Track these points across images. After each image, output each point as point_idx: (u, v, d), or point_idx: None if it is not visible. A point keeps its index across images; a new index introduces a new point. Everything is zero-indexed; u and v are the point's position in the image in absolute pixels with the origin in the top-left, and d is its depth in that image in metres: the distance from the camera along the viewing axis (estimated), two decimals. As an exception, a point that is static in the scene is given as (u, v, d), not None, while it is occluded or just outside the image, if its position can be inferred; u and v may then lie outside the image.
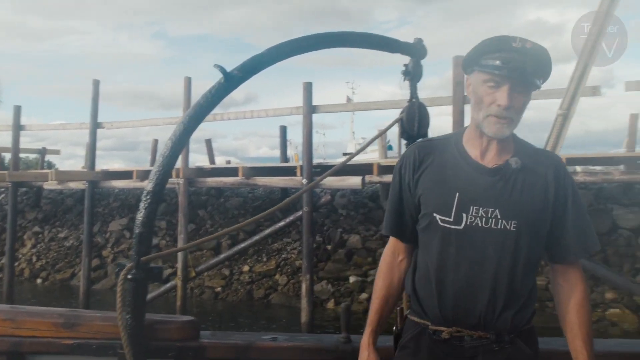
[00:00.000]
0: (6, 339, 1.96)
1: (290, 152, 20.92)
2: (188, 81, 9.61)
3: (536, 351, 1.57)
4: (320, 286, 10.58)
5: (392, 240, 1.71)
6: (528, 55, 1.44)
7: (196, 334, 2.03)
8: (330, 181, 8.63)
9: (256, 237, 10.00)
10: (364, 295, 10.11)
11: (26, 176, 12.69)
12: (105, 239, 13.62)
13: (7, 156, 15.47)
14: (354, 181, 8.44)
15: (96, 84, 10.74)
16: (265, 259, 11.68)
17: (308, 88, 8.68)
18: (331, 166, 8.56)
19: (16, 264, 12.95)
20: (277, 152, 15.42)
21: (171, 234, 12.55)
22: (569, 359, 1.54)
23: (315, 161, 10.10)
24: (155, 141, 16.70)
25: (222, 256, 10.49)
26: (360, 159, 12.64)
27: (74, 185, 11.84)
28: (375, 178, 8.46)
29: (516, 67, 1.42)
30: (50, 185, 12.05)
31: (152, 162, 15.10)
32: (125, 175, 11.05)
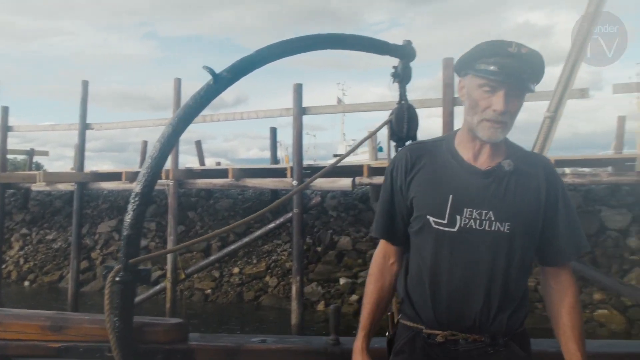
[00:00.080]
0: (-8, 342, 1.94)
1: (280, 153, 20.89)
2: (178, 82, 9.57)
3: (529, 354, 1.57)
4: (310, 288, 10.58)
5: (382, 243, 1.70)
6: (523, 60, 1.44)
7: (184, 336, 2.02)
8: (321, 183, 8.63)
9: (246, 239, 9.97)
10: (354, 297, 10.12)
11: (14, 178, 12.58)
12: (94, 240, 13.53)
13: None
14: (344, 183, 8.45)
15: (85, 84, 10.67)
16: (255, 261, 11.65)
17: (298, 90, 8.68)
18: (321, 168, 8.57)
19: (3, 266, 12.84)
20: (267, 154, 15.41)
21: (161, 235, 12.49)
22: (560, 359, 1.55)
23: (306, 163, 10.11)
24: (145, 142, 16.63)
25: (212, 258, 10.45)
26: (350, 160, 12.65)
27: (62, 186, 11.74)
28: (365, 180, 8.47)
29: (512, 73, 1.43)
30: (38, 186, 11.94)
31: (142, 164, 14.98)
32: (114, 176, 10.99)
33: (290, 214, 8.81)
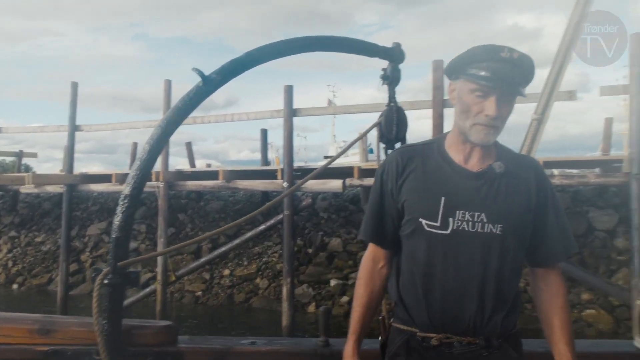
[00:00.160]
0: (-22, 346, 1.92)
1: (271, 155, 20.88)
2: (168, 84, 9.53)
3: (521, 354, 1.58)
4: (301, 289, 10.58)
5: (372, 246, 1.69)
6: (515, 65, 1.46)
7: (174, 338, 2.02)
8: (311, 184, 8.63)
9: (237, 241, 9.94)
10: (345, 299, 10.13)
11: (2, 180, 12.47)
12: (84, 243, 13.43)
13: (-17, 159, 15.19)
14: (335, 184, 8.46)
15: (74, 86, 10.60)
16: (246, 263, 11.63)
17: (289, 91, 8.68)
18: (312, 169, 8.57)
19: (-9, 269, 12.71)
20: (258, 155, 15.38)
21: (151, 237, 12.43)
22: (549, 359, 1.57)
23: (297, 164, 10.09)
24: (135, 144, 16.52)
25: (202, 260, 10.40)
26: (341, 162, 12.66)
27: (51, 188, 11.65)
28: (356, 181, 8.48)
29: (504, 79, 1.44)
30: (27, 189, 11.84)
31: (132, 165, 14.87)
32: (104, 178, 10.92)
33: (281, 216, 8.80)
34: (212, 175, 10.15)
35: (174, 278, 9.89)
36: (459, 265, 1.49)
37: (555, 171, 9.58)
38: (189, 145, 16.15)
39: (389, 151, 2.52)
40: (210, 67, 1.96)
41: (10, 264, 13.71)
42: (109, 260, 1.76)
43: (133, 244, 12.49)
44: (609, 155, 11.14)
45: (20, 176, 12.17)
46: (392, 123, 2.46)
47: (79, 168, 11.85)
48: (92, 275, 1.79)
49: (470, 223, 1.49)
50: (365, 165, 8.93)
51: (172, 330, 2.02)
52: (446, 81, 1.64)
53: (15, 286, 13.19)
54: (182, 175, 10.61)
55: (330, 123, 43.03)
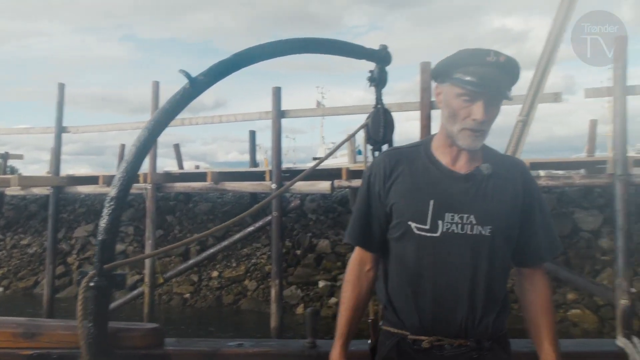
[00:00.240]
0: (-39, 351, 1.90)
1: (260, 156, 20.86)
2: (156, 85, 9.48)
3: (510, 356, 1.59)
4: (289, 291, 10.57)
5: (358, 250, 1.69)
6: (502, 69, 1.46)
7: (160, 341, 2.01)
8: (300, 186, 8.62)
9: (225, 243, 9.91)
10: (333, 300, 10.14)
11: (-13, 182, 12.29)
12: (71, 245, 13.31)
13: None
14: (323, 186, 8.46)
15: (61, 87, 10.51)
16: (234, 265, 11.60)
17: (277, 93, 8.68)
18: (301, 171, 8.57)
19: (-24, 272, 12.56)
20: (247, 157, 15.35)
21: (139, 239, 12.34)
22: (534, 359, 1.59)
23: (285, 166, 10.09)
24: (123, 146, 16.40)
25: (190, 262, 10.35)
26: (329, 163, 12.68)
27: (37, 190, 11.53)
28: (344, 183, 8.49)
29: (491, 83, 1.44)
30: (12, 191, 11.70)
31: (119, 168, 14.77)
32: (91, 180, 10.84)
33: (269, 217, 8.79)
34: (200, 176, 10.11)
35: (162, 280, 9.83)
36: (450, 268, 1.49)
37: (542, 172, 9.68)
38: (177, 146, 16.09)
39: (376, 153, 2.53)
40: (199, 68, 1.95)
41: (-5, 266, 13.55)
42: (94, 263, 1.75)
43: (121, 246, 12.41)
44: (594, 157, 11.29)
45: (5, 178, 12.00)
46: (379, 125, 2.47)
47: (66, 170, 11.77)
48: (78, 278, 1.78)
49: (459, 225, 1.49)
50: (353, 167, 8.95)
51: (158, 333, 2.02)
52: (433, 83, 1.62)
53: (0, 289, 13.03)
54: (170, 176, 10.56)
55: (319, 124, 43.02)
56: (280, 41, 2.16)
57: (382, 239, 1.62)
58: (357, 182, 8.25)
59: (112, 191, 1.79)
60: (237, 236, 9.73)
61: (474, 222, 1.49)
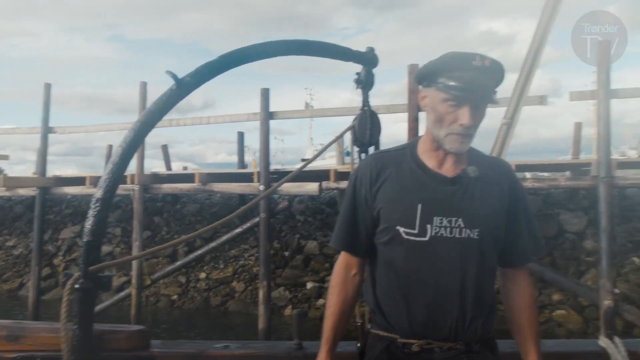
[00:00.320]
0: (-57, 354, 1.89)
1: (248, 158, 20.79)
2: (144, 86, 9.44)
3: (498, 358, 1.60)
4: (277, 292, 10.56)
5: (344, 254, 1.68)
6: (487, 73, 1.45)
7: (146, 343, 2.01)
8: (288, 187, 8.63)
9: (213, 244, 9.88)
10: (321, 301, 10.14)
11: (-28, 182, 12.13)
12: (57, 247, 13.19)
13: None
14: (312, 187, 8.47)
15: (48, 87, 10.42)
16: (222, 266, 11.56)
17: (265, 94, 8.67)
18: (289, 172, 8.56)
19: (-40, 274, 12.39)
20: (235, 158, 15.30)
21: (126, 241, 12.27)
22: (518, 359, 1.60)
23: (274, 167, 10.09)
24: (110, 147, 16.27)
25: (178, 263, 10.30)
26: (317, 165, 12.69)
27: (23, 191, 11.41)
28: (332, 184, 8.51)
29: (477, 88, 1.44)
30: (-3, 191, 11.56)
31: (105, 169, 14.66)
32: (78, 181, 10.75)
33: (257, 219, 8.78)
34: (188, 178, 10.08)
35: (149, 282, 9.78)
36: (439, 272, 1.49)
37: (528, 174, 9.78)
38: (165, 147, 16.02)
39: (363, 155, 2.55)
40: (187, 69, 1.95)
41: (-21, 268, 13.38)
42: (80, 265, 1.74)
43: (108, 248, 12.33)
44: (579, 159, 11.42)
45: (-10, 179, 11.88)
46: (366, 127, 2.48)
47: (53, 170, 11.64)
48: (63, 280, 1.77)
49: (448, 229, 1.49)
50: (341, 168, 8.97)
51: (144, 335, 2.01)
52: (418, 87, 1.61)
53: (-16, 291, 12.89)
54: (157, 178, 10.51)
55: (307, 126, 42.98)
56: (267, 43, 2.17)
57: (369, 243, 1.62)
58: (345, 184, 8.25)
59: (97, 192, 1.79)
60: (224, 237, 9.70)
61: (462, 225, 1.49)
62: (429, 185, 1.53)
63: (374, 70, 2.58)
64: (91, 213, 1.76)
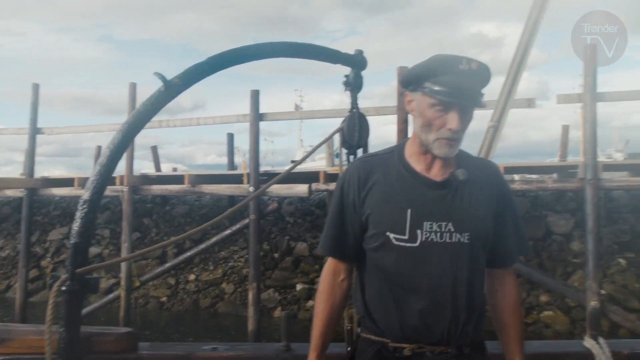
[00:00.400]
0: None
1: (238, 159, 20.77)
2: (133, 87, 9.39)
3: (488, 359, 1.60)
4: (267, 294, 10.55)
5: (331, 260, 1.66)
6: (475, 76, 1.44)
7: (134, 345, 2.00)
8: (277, 189, 8.63)
9: (202, 246, 9.84)
10: (310, 303, 10.15)
11: (-43, 183, 12.00)
12: (45, 248, 13.08)
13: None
14: (301, 189, 8.47)
15: (36, 87, 10.34)
16: (211, 268, 11.53)
17: (255, 96, 8.67)
18: (278, 174, 8.56)
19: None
20: (225, 159, 15.29)
21: (115, 242, 12.19)
22: None
23: (264, 169, 10.08)
24: (99, 148, 16.17)
25: (167, 265, 10.25)
26: (307, 166, 12.70)
27: (11, 192, 11.30)
28: (322, 186, 8.52)
29: (465, 92, 1.43)
30: (-16, 193, 11.44)
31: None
32: (66, 182, 10.66)
33: (247, 220, 8.77)
34: (177, 179, 10.04)
35: (138, 284, 9.73)
36: (431, 277, 1.48)
37: (516, 176, 9.86)
38: (154, 149, 15.95)
39: (352, 157, 2.56)
40: (178, 70, 1.95)
41: (-35, 270, 13.23)
42: (67, 267, 1.74)
43: (97, 249, 12.25)
44: (566, 161, 11.53)
45: (-23, 180, 11.75)
46: (354, 129, 2.49)
47: (41, 171, 11.56)
48: (50, 282, 1.76)
49: (438, 234, 1.48)
50: (331, 170, 8.99)
51: (132, 337, 2.01)
52: (404, 90, 1.59)
53: (-29, 293, 12.74)
54: (147, 179, 10.45)
55: (297, 127, 42.93)
56: (256, 45, 2.18)
57: (357, 248, 1.60)
58: (334, 185, 8.27)
59: (85, 194, 1.78)
60: (214, 239, 9.67)
61: (453, 229, 1.48)
62: (418, 190, 1.52)
63: (363, 73, 2.59)
64: (78, 215, 1.76)
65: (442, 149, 1.48)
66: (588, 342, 2.12)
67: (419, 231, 1.48)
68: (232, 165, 15.05)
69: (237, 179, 9.81)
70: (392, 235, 1.49)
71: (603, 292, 6.66)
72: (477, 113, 1.56)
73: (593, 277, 6.48)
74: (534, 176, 10.75)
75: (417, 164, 1.56)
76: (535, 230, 9.58)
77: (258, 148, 8.83)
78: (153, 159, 15.90)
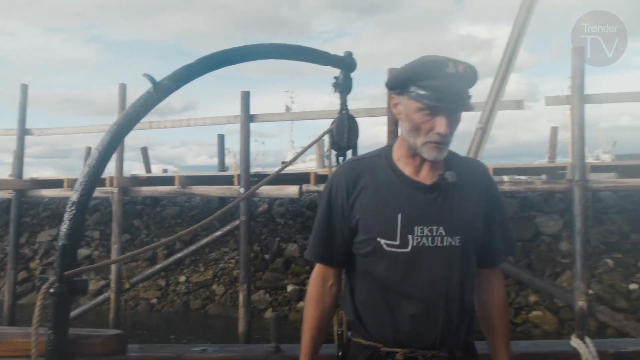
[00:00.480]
0: None
1: (229, 160, 20.72)
2: (123, 88, 9.34)
3: None
4: (258, 295, 10.54)
5: (320, 266, 1.63)
6: (462, 79, 1.42)
7: (123, 347, 2.00)
8: (268, 190, 8.63)
9: (193, 247, 9.81)
10: (301, 304, 10.14)
11: (-56, 185, 11.86)
12: (34, 250, 12.97)
13: None
14: (292, 190, 8.47)
15: (24, 88, 10.26)
16: (202, 269, 11.49)
17: (245, 97, 8.67)
18: (269, 175, 8.55)
19: None
20: (216, 161, 15.26)
21: (105, 244, 12.12)
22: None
23: (254, 170, 10.06)
24: (88, 149, 16.07)
25: (157, 267, 10.21)
26: (297, 167, 12.70)
27: (-1, 194, 11.21)
28: (312, 187, 8.52)
29: (452, 96, 1.40)
30: (-28, 194, 11.33)
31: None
32: (55, 184, 10.59)
33: (237, 222, 8.76)
34: (168, 180, 10.00)
35: (128, 285, 9.67)
36: (423, 283, 1.46)
37: (505, 177, 9.91)
38: (144, 150, 15.87)
39: (341, 158, 2.57)
40: (169, 71, 1.95)
41: (-47, 272, 13.08)
42: (55, 269, 1.73)
43: (86, 251, 12.18)
44: (555, 163, 11.62)
45: (-36, 181, 11.63)
46: (344, 130, 2.51)
47: (30, 173, 11.45)
48: (38, 284, 1.75)
49: (429, 238, 1.46)
50: (321, 171, 8.99)
51: (121, 339, 2.00)
52: (390, 93, 1.57)
53: (-42, 296, 12.60)
54: (137, 180, 10.40)
55: (288, 128, 42.87)
56: (245, 47, 2.18)
57: (346, 253, 1.58)
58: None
59: (73, 196, 1.78)
60: (204, 240, 9.65)
61: (444, 233, 1.46)
62: (407, 194, 1.50)
63: (353, 74, 2.60)
64: (67, 216, 1.75)
65: (430, 153, 1.46)
66: (575, 342, 2.14)
67: (410, 236, 1.46)
68: (223, 166, 15.02)
69: (227, 180, 9.80)
70: (383, 241, 1.47)
71: (591, 292, 6.72)
72: (466, 114, 1.55)
73: (581, 277, 6.54)
74: (522, 177, 10.83)
75: (406, 167, 1.54)
76: (524, 231, 9.65)
77: (249, 149, 8.82)
78: (143, 160, 15.82)
